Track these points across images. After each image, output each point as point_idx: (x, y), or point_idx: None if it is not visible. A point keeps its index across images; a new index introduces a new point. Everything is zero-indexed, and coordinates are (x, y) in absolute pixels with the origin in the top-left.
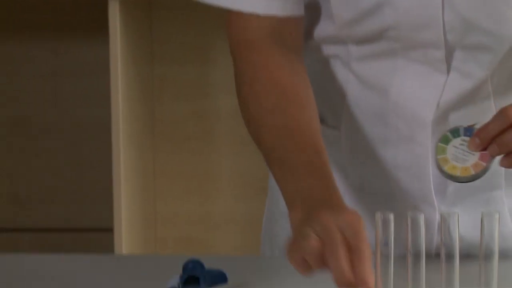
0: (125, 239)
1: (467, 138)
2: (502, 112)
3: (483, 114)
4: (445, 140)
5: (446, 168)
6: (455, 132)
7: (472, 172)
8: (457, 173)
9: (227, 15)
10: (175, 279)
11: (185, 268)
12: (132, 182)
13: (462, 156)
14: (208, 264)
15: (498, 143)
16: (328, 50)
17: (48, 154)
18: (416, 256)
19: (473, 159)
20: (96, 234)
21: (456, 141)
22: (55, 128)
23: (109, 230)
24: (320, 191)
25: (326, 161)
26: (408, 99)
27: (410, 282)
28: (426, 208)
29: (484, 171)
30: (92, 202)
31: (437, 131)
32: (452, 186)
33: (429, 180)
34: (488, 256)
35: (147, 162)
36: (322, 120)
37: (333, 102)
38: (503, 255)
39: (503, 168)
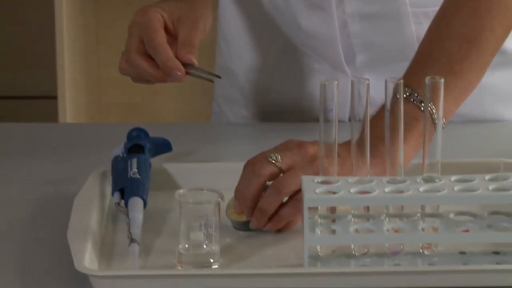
0: (69, 106)
1: None
2: (273, 186)
3: None
4: None
5: (229, 214)
6: None
7: (244, 217)
8: (234, 217)
9: None
10: (120, 148)
11: (129, 136)
12: (75, 48)
13: None
14: (153, 132)
15: (274, 220)
16: None
17: None
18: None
19: None
20: (39, 102)
21: None
22: None
23: (53, 97)
24: None
25: None
26: None
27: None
28: (340, 75)
29: None
30: (35, 69)
31: None
32: (361, 55)
33: (338, 47)
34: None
35: (90, 28)
36: None
37: None
38: None
39: (415, 39)
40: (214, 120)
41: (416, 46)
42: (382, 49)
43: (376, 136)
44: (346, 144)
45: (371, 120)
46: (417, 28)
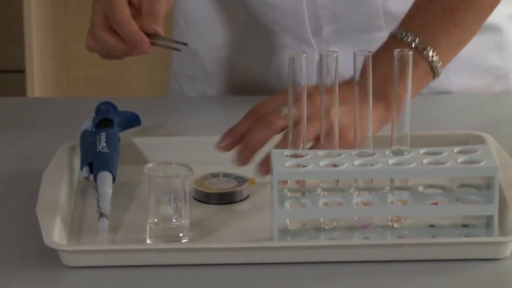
0: (37, 80)
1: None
2: (250, 112)
3: None
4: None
5: (198, 186)
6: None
7: (214, 189)
8: (203, 190)
9: None
10: (88, 122)
11: (98, 110)
12: (43, 21)
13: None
14: (121, 106)
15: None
16: None
17: None
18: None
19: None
20: (7, 76)
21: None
22: None
23: (21, 71)
24: None
25: None
26: None
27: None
28: (306, 48)
29: None
30: (3, 43)
31: None
32: (328, 28)
33: (305, 20)
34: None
35: (58, 1)
36: None
37: None
38: None
39: (381, 10)
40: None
41: (381, 17)
42: (348, 20)
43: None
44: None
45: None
46: None
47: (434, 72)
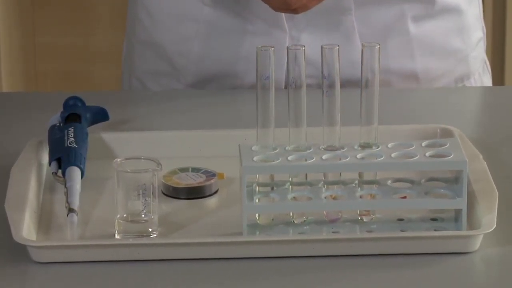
0: (4, 75)
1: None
2: None
3: None
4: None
5: (167, 181)
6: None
7: (183, 184)
8: (172, 184)
9: None
10: (56, 117)
11: (65, 105)
12: (9, 14)
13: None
14: (89, 101)
15: None
16: None
17: None
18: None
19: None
20: None
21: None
22: None
23: None
24: None
25: None
26: None
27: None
28: (277, 33)
29: None
30: None
31: None
32: None
33: None
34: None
35: None
36: None
37: None
38: (351, 83)
39: None
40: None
41: None
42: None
43: None
44: None
45: None
46: None
47: None
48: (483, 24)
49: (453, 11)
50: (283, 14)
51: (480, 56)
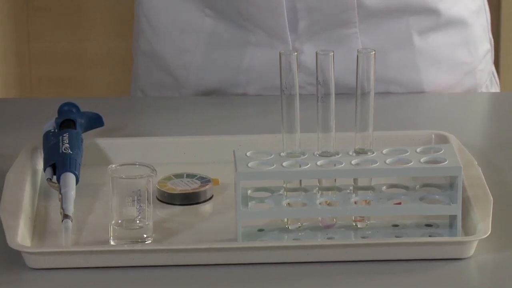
0: None
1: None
2: None
3: None
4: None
5: (162, 187)
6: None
7: (177, 190)
8: (167, 191)
9: None
10: (51, 123)
11: (60, 111)
12: (3, 19)
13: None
14: (84, 107)
15: None
16: None
17: None
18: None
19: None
20: None
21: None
22: None
23: None
24: None
25: None
26: None
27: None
28: (279, 44)
29: None
30: None
31: None
32: (304, 21)
33: (283, 14)
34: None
35: None
36: None
37: None
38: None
39: (355, 1)
40: None
41: (355, 9)
42: (323, 12)
43: None
44: None
45: None
46: None
47: None
48: (491, 36)
49: (459, 23)
50: (286, 23)
51: (487, 69)
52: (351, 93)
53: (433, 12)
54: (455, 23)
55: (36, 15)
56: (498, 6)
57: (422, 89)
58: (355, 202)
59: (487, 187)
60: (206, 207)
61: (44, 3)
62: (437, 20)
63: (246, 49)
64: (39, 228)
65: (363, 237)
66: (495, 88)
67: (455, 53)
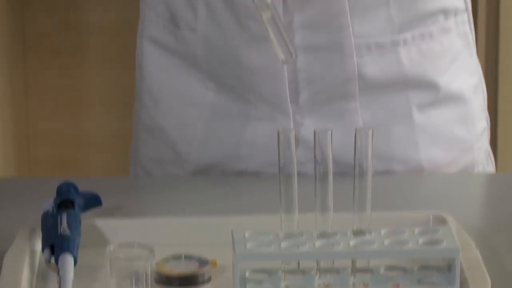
0: None
1: None
2: None
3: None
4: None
5: (160, 269)
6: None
7: (175, 272)
8: (165, 272)
9: None
10: (50, 203)
11: (59, 191)
12: (2, 99)
13: None
14: (82, 186)
15: None
16: None
17: None
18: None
19: None
20: None
21: None
22: None
23: None
24: None
25: None
26: None
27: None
28: (280, 117)
29: None
30: None
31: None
32: (305, 91)
33: (285, 84)
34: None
35: (18, 78)
36: (177, 24)
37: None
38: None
39: (356, 74)
40: None
41: (356, 80)
42: (324, 84)
43: None
44: None
45: None
46: (358, 62)
47: None
48: (487, 114)
49: (458, 99)
50: (287, 94)
51: (484, 147)
52: (351, 171)
53: (432, 86)
54: (454, 98)
55: (34, 96)
56: (495, 88)
57: (421, 166)
58: (353, 284)
59: (485, 269)
60: None
61: (42, 83)
62: (436, 95)
63: (247, 123)
64: None
65: None
66: (491, 168)
67: (454, 129)
